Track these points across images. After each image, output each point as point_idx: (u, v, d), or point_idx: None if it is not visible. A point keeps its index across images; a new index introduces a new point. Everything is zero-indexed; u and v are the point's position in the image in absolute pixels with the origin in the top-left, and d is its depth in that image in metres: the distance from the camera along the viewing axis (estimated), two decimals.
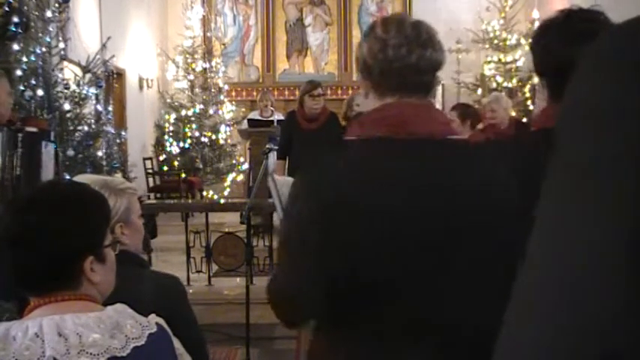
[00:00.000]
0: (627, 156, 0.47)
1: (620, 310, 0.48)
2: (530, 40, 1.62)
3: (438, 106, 7.11)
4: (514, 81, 9.28)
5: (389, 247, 1.23)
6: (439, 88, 8.16)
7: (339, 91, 10.41)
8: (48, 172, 3.30)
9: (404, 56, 1.31)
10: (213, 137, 9.60)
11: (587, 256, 0.48)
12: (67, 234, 1.23)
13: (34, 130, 3.35)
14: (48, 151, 3.33)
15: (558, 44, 1.45)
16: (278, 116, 6.80)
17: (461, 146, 1.41)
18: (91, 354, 1.15)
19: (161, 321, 1.29)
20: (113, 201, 1.64)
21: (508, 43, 9.50)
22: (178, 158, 9.39)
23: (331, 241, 1.23)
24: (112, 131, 5.80)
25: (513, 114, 6.37)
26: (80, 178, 1.76)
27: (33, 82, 4.68)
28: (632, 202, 0.46)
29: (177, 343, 1.32)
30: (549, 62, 1.51)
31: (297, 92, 10.41)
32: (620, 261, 0.47)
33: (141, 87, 9.33)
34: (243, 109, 10.01)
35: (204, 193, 9.30)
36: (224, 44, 10.48)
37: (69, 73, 5.47)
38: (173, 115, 9.64)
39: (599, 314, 0.49)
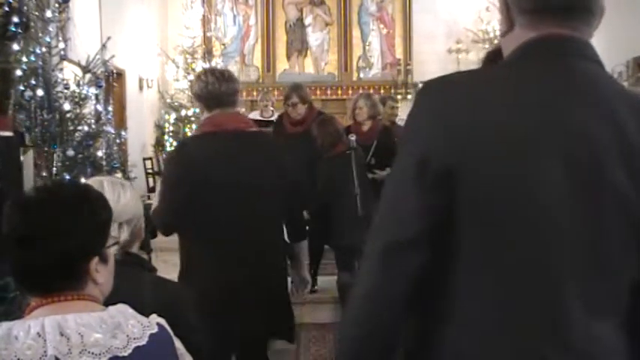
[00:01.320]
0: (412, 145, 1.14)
1: (412, 213, 1.09)
2: None
3: None
4: None
5: (215, 196, 2.58)
6: None
7: (339, 91, 10.42)
8: (29, 178, 3.19)
9: (217, 88, 2.70)
10: None
11: (394, 189, 1.15)
12: (76, 234, 1.22)
13: (9, 134, 3.21)
14: (27, 156, 3.20)
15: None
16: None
17: (250, 135, 2.77)
18: (92, 353, 1.15)
19: (162, 321, 1.29)
20: (124, 198, 1.76)
21: None
22: None
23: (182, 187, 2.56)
24: (112, 131, 5.79)
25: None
26: (92, 181, 1.81)
27: (33, 82, 4.67)
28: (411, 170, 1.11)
29: (178, 344, 1.32)
30: None
31: None
32: (410, 188, 1.10)
33: (141, 87, 9.33)
34: (243, 109, 10.00)
35: None
36: (224, 44, 10.48)
37: (69, 73, 5.47)
38: (173, 115, 9.63)
39: (402, 214, 1.11)
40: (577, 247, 1.08)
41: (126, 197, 1.77)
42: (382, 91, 9.93)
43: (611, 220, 1.09)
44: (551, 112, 1.11)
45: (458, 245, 1.10)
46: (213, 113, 2.69)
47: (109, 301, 1.30)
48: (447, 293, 1.12)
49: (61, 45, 5.12)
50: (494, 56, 1.75)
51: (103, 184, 1.77)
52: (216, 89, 2.68)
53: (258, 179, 2.62)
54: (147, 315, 1.29)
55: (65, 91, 5.09)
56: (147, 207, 2.28)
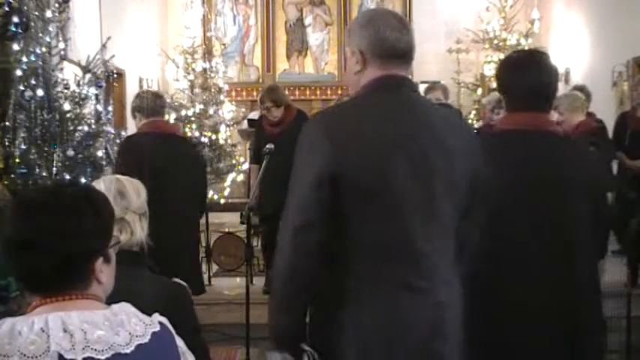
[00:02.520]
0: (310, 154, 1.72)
1: (312, 204, 1.67)
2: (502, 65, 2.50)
3: None
4: None
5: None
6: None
7: (339, 91, 10.41)
8: None
9: (153, 102, 4.35)
10: (213, 137, 9.60)
11: (299, 190, 1.71)
12: (80, 236, 1.22)
13: None
14: None
15: (509, 75, 2.35)
16: None
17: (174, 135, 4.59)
18: (95, 350, 1.16)
19: (164, 320, 1.30)
20: (142, 193, 1.90)
21: (508, 43, 9.49)
22: None
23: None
24: (112, 131, 5.79)
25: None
26: (108, 179, 1.88)
27: (33, 82, 4.67)
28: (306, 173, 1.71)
29: (180, 342, 1.32)
30: (502, 86, 2.42)
31: (297, 92, 10.47)
32: (311, 189, 1.67)
33: (141, 87, 9.32)
34: (243, 109, 10.01)
35: None
36: (224, 44, 10.47)
37: (69, 73, 5.47)
38: (173, 115, 9.63)
39: (306, 206, 1.68)
40: (421, 209, 1.73)
41: (144, 192, 1.90)
42: None
43: (440, 190, 1.75)
44: (397, 125, 1.75)
45: (347, 219, 1.70)
46: (149, 119, 4.25)
47: (109, 300, 1.31)
48: (343, 251, 1.72)
49: (61, 45, 5.12)
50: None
51: (122, 181, 1.86)
52: (151, 102, 4.22)
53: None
54: (147, 314, 1.29)
55: (65, 91, 5.09)
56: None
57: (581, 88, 5.76)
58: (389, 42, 1.80)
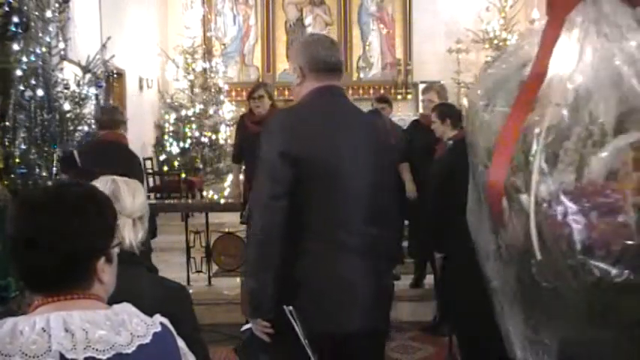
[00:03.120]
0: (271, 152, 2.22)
1: (280, 179, 2.18)
2: None
3: None
4: None
5: None
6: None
7: None
8: None
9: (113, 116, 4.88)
10: (213, 137, 9.61)
11: (268, 167, 2.23)
12: (83, 235, 1.22)
13: None
14: None
15: None
16: None
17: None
18: (96, 350, 1.16)
19: (165, 321, 1.30)
20: (140, 196, 1.86)
21: (508, 43, 9.49)
22: (178, 158, 9.39)
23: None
24: None
25: None
26: (104, 180, 1.83)
27: (33, 82, 4.67)
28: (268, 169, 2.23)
29: (181, 343, 1.32)
30: None
31: None
32: (278, 167, 2.18)
33: (141, 87, 9.33)
34: (243, 109, 10.00)
35: (204, 193, 9.29)
36: (224, 44, 10.47)
37: (69, 73, 5.47)
38: (173, 115, 9.64)
39: (275, 180, 2.19)
40: (359, 189, 2.26)
41: (142, 194, 1.87)
42: (382, 91, 9.92)
43: (372, 174, 2.29)
44: (338, 123, 2.30)
45: (306, 193, 2.19)
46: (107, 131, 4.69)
47: (109, 300, 1.31)
48: (304, 218, 2.21)
49: (61, 45, 5.12)
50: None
51: (117, 182, 1.82)
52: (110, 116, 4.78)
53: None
54: (147, 314, 1.29)
55: (65, 91, 5.09)
56: (149, 207, 2.30)
57: None
58: (322, 60, 2.33)
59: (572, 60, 0.68)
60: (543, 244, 0.62)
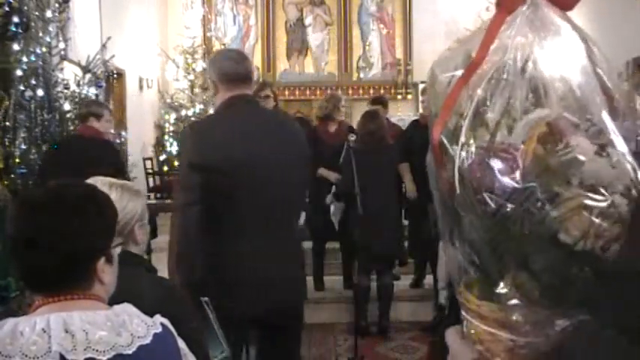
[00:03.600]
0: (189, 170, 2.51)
1: (192, 187, 2.44)
2: None
3: None
4: None
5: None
6: None
7: (339, 91, 10.41)
8: None
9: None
10: None
11: (183, 177, 2.54)
12: (83, 235, 1.22)
13: None
14: None
15: None
16: None
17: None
18: (97, 350, 1.16)
19: (166, 321, 1.30)
20: (134, 202, 1.79)
21: None
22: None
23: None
24: (112, 131, 5.79)
25: None
26: (93, 181, 1.77)
27: (33, 82, 4.68)
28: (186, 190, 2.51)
29: (181, 344, 1.32)
30: None
31: (297, 92, 10.48)
32: (190, 176, 2.48)
33: (141, 87, 9.32)
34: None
35: None
36: (224, 44, 10.46)
37: (69, 73, 5.47)
38: (173, 115, 9.63)
39: (188, 188, 2.47)
40: (264, 195, 2.44)
41: (139, 199, 1.82)
42: (382, 91, 9.92)
43: (280, 178, 2.48)
44: (251, 130, 2.50)
45: (215, 199, 2.39)
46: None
47: (109, 301, 1.30)
48: (214, 221, 2.41)
49: (61, 45, 5.13)
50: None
51: (113, 186, 1.76)
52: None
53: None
54: (147, 314, 1.29)
55: (65, 91, 5.10)
56: (149, 207, 2.28)
57: None
58: (231, 71, 2.54)
59: (503, 51, 0.98)
60: (462, 182, 0.92)
